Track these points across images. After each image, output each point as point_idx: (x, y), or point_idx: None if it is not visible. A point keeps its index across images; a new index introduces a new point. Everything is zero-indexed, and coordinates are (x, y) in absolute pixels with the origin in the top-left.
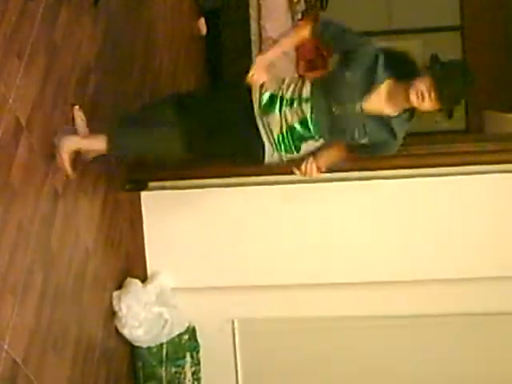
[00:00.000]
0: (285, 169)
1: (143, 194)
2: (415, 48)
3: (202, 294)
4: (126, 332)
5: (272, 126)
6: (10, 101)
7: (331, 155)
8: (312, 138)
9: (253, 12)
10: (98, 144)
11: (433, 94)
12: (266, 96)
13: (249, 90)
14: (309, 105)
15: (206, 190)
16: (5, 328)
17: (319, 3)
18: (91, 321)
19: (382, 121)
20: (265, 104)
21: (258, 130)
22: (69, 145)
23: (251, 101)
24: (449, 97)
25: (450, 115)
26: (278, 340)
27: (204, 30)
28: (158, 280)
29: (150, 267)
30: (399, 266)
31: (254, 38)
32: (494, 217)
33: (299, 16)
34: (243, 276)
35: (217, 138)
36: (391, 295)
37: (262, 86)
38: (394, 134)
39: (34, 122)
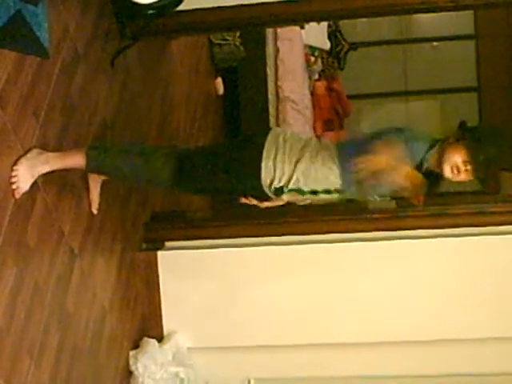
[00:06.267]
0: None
1: (160, 253)
2: (432, 108)
3: (218, 354)
4: None
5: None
6: None
7: None
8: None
9: (270, 71)
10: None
11: (469, 167)
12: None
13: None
14: (338, 195)
15: (223, 249)
16: None
17: (337, 63)
18: (107, 380)
19: None
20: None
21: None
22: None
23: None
24: (485, 166)
25: (484, 185)
26: None
27: (221, 89)
28: (175, 339)
29: (167, 326)
30: (418, 327)
31: (271, 97)
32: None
33: (316, 76)
34: (260, 336)
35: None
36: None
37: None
38: None
39: (50, 181)
